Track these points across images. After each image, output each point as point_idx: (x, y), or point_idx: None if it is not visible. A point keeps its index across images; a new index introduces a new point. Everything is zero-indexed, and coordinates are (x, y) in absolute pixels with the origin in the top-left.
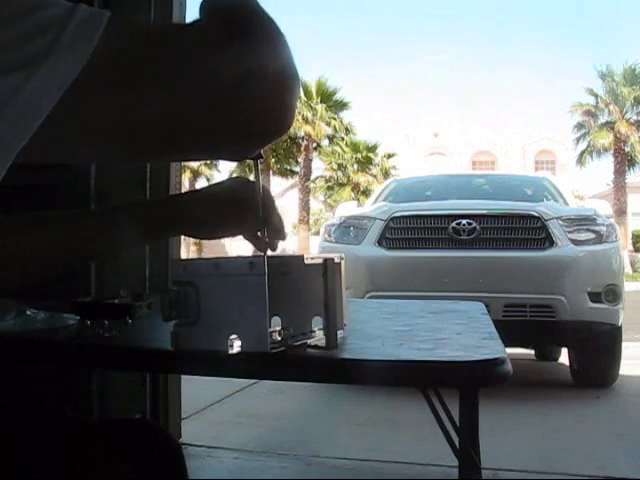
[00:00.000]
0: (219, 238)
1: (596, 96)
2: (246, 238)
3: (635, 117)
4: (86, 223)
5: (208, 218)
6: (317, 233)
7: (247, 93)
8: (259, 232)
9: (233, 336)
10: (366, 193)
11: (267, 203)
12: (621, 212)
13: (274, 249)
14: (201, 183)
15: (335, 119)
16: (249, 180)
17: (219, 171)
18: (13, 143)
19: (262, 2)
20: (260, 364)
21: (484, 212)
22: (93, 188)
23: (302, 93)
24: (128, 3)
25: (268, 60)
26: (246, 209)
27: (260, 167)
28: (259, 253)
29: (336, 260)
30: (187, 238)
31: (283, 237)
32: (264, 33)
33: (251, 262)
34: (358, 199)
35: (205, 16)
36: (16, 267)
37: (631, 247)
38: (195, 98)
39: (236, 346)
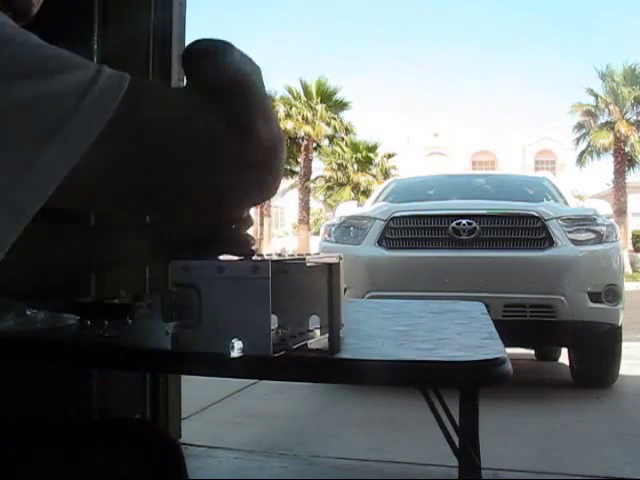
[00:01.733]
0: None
1: (596, 96)
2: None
3: (635, 117)
4: (89, 236)
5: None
6: (317, 233)
7: (244, 161)
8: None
9: (235, 340)
10: (366, 193)
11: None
12: (621, 212)
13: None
14: None
15: (335, 119)
16: None
17: None
18: (28, 209)
19: (269, 3)
20: (260, 364)
21: (484, 212)
22: None
23: (302, 93)
24: (128, 3)
25: (261, 129)
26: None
27: None
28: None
29: (335, 260)
30: None
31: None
32: (255, 97)
33: (254, 265)
34: (358, 199)
35: (193, 82)
36: (18, 270)
37: (631, 247)
38: (190, 162)
39: (237, 349)
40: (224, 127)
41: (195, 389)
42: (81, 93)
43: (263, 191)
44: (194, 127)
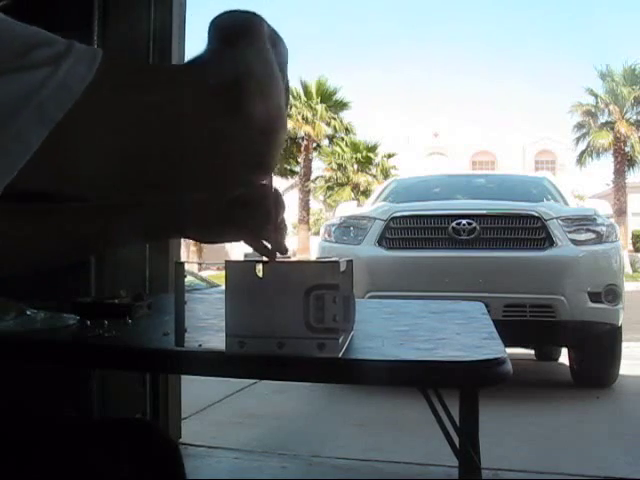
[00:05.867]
0: (222, 242)
1: (596, 96)
2: (247, 243)
3: (635, 117)
4: (87, 220)
5: (210, 222)
6: (317, 233)
7: (233, 139)
8: (265, 239)
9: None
10: (366, 193)
11: (278, 208)
12: (621, 212)
13: (284, 252)
14: None
15: (335, 119)
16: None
17: None
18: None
19: (269, 2)
20: (260, 364)
21: (484, 212)
22: None
23: (302, 93)
24: (128, 3)
25: (257, 104)
26: (251, 213)
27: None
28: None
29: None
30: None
31: (284, 249)
32: (256, 74)
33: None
34: (358, 199)
35: (204, 59)
36: (15, 255)
37: (631, 247)
38: (183, 143)
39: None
40: (211, 103)
41: (195, 389)
42: (55, 63)
43: (255, 172)
44: (174, 102)
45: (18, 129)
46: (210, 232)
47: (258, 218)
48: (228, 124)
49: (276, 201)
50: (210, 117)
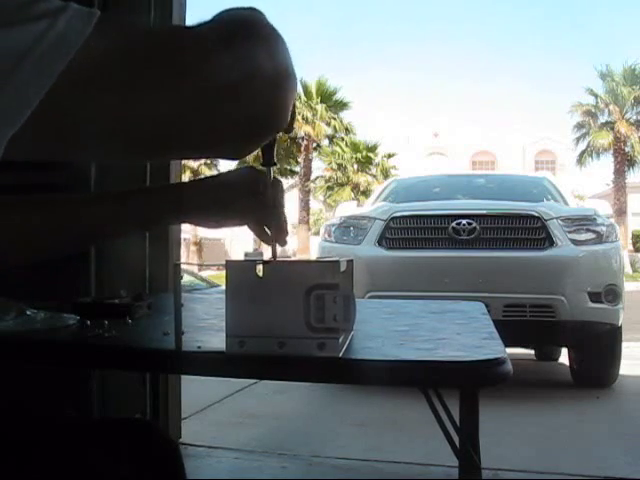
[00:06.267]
0: (223, 227)
1: (596, 96)
2: (251, 229)
3: (635, 117)
4: (87, 209)
5: (211, 207)
6: (317, 233)
7: (244, 91)
8: (266, 227)
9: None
10: (366, 193)
11: (278, 198)
12: (621, 212)
13: (283, 244)
14: None
15: (335, 119)
16: (257, 169)
17: (219, 170)
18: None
19: (268, 3)
20: (260, 364)
21: (484, 212)
22: (93, 189)
23: (302, 93)
24: (127, 3)
25: (265, 60)
26: (252, 197)
27: (272, 173)
28: (263, 244)
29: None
30: (187, 238)
31: (284, 241)
32: (261, 33)
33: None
34: (358, 199)
35: (206, 23)
36: (16, 247)
37: (631, 247)
38: (193, 97)
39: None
40: (219, 57)
41: (195, 389)
42: (54, 16)
43: (266, 126)
44: (181, 55)
45: (19, 82)
46: (210, 216)
47: (255, 205)
48: (242, 74)
49: (275, 187)
50: (217, 66)
